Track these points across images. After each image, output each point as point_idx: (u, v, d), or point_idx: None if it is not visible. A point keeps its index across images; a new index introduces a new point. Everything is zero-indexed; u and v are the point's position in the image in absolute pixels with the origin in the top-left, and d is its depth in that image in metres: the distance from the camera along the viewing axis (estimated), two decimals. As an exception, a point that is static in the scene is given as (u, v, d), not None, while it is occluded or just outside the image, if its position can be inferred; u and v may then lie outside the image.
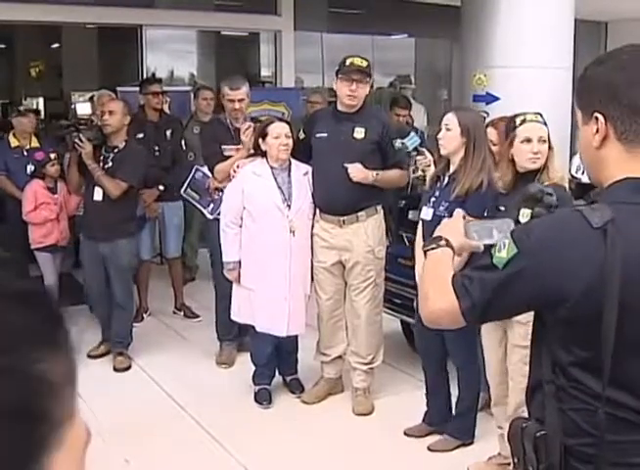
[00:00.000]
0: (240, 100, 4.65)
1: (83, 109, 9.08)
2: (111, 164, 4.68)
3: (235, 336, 4.90)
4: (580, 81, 1.52)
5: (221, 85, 4.80)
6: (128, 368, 4.84)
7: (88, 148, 4.63)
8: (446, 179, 3.58)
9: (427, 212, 3.60)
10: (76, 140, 4.66)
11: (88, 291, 5.15)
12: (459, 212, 1.85)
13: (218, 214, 4.70)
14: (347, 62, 4.02)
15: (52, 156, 5.41)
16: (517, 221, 1.89)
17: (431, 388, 3.90)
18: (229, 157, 4.61)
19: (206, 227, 5.14)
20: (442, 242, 1.72)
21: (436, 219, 3.40)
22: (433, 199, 3.59)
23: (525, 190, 2.21)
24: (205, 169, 4.92)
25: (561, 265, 1.41)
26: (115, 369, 4.81)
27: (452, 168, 3.56)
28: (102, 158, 4.70)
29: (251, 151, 4.29)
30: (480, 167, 3.46)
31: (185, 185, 5.13)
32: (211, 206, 4.89)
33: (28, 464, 0.55)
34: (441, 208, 3.51)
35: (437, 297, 1.56)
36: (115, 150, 4.73)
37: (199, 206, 5.06)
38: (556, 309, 1.43)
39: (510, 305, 1.51)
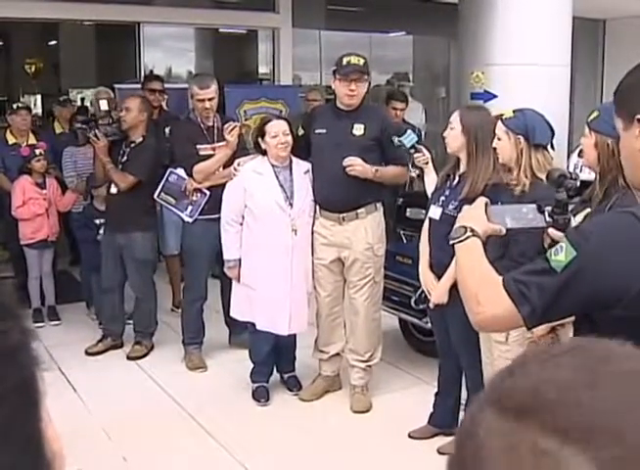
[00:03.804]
0: (210, 99, 4.63)
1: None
2: (126, 158, 4.86)
3: (202, 339, 4.91)
4: (619, 90, 1.54)
5: (189, 84, 4.75)
6: (143, 357, 4.97)
7: (102, 143, 4.83)
8: (457, 178, 3.51)
9: (435, 211, 3.52)
10: (91, 135, 4.85)
11: (103, 282, 5.12)
12: (482, 200, 1.85)
13: (200, 215, 4.63)
14: (345, 61, 3.98)
15: (37, 151, 5.46)
16: (539, 206, 1.89)
17: (443, 388, 3.82)
18: (206, 157, 4.58)
19: (183, 230, 4.97)
20: (468, 232, 1.72)
21: (445, 219, 3.33)
22: (442, 198, 3.51)
23: (549, 174, 2.20)
24: (180, 171, 4.77)
25: (619, 265, 1.43)
26: (128, 357, 4.95)
27: (462, 168, 3.49)
28: (121, 152, 4.88)
29: (243, 149, 4.24)
30: (486, 170, 3.36)
31: (159, 190, 4.85)
32: (189, 208, 4.73)
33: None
34: (450, 207, 3.43)
35: (491, 303, 1.57)
36: (132, 145, 4.89)
37: (175, 210, 4.84)
38: (611, 309, 1.44)
39: (568, 306, 1.53)
